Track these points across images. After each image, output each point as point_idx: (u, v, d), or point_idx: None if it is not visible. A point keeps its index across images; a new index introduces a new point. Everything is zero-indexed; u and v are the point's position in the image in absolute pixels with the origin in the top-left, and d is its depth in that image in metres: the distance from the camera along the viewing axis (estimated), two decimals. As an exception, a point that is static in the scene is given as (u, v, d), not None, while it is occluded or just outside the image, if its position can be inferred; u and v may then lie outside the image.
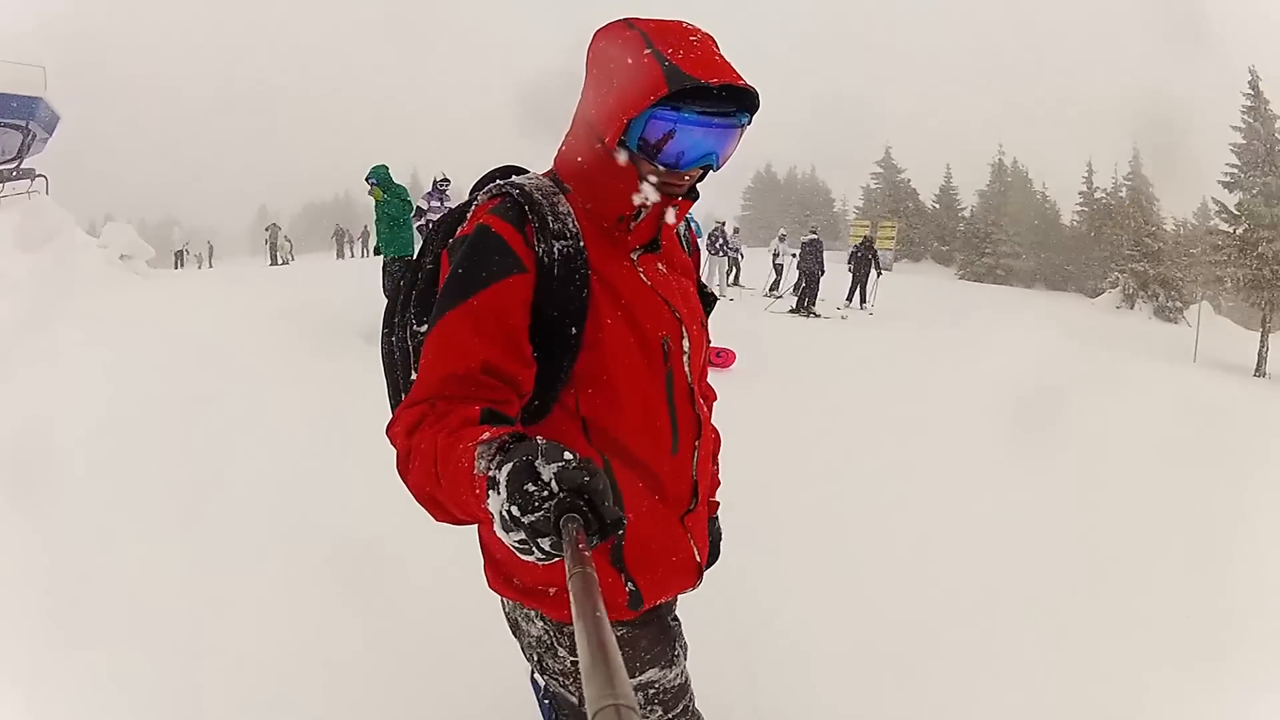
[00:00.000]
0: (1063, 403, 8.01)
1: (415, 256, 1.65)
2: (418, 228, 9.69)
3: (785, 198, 51.97)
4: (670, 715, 1.70)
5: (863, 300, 17.63)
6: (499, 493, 1.00)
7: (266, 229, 33.13)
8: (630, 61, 1.38)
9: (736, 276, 20.05)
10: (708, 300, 1.81)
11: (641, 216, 1.52)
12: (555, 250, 1.44)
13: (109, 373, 7.13)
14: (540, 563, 1.00)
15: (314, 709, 2.85)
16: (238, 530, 4.08)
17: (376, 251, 9.89)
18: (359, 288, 11.17)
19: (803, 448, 6.15)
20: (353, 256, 32.58)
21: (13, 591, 3.56)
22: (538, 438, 1.06)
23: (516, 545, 1.00)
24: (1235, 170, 21.04)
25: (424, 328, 1.54)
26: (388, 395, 1.71)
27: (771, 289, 18.50)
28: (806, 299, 15.69)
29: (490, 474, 1.05)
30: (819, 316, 15.38)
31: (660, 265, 1.63)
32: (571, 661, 1.67)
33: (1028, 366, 10.05)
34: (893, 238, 33.32)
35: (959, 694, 3.03)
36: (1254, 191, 19.85)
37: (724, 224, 19.11)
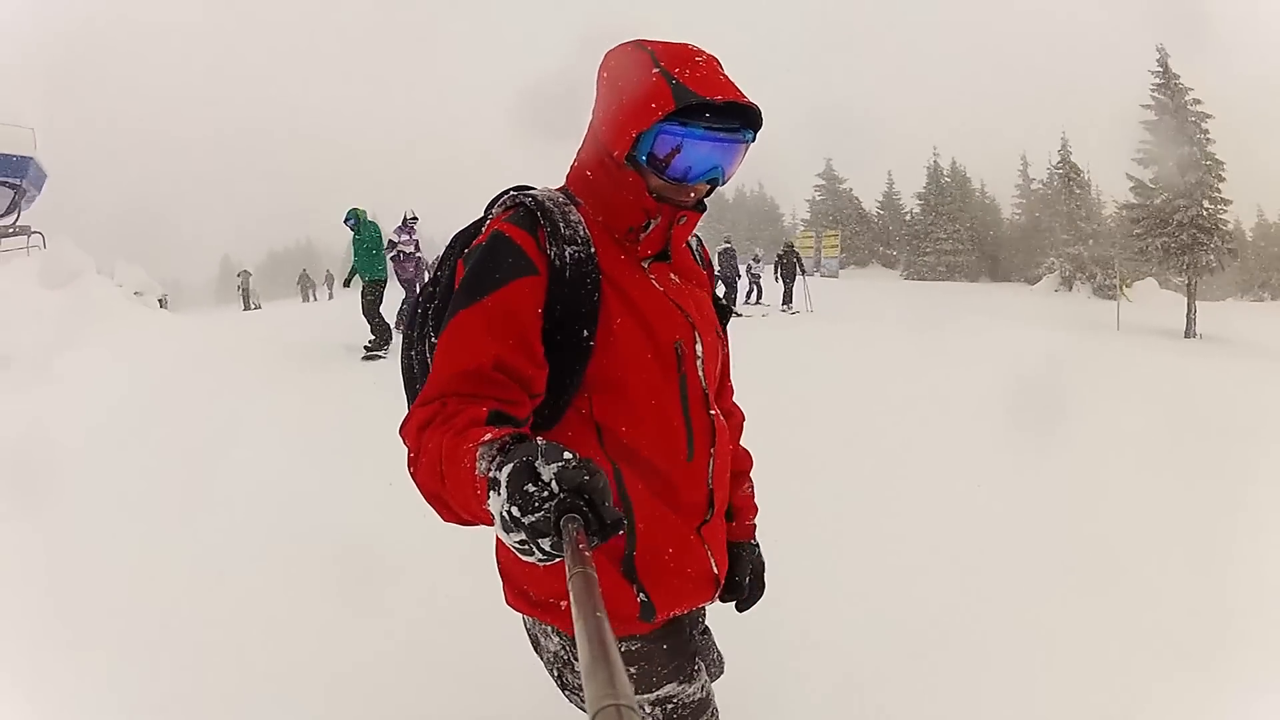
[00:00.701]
0: (1011, 385, 8.57)
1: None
2: (390, 258, 11.72)
3: (735, 217, 52.62)
4: None
5: (789, 302, 18.52)
6: (499, 493, 1.02)
7: (239, 275, 33.55)
8: (638, 79, 1.44)
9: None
10: (723, 311, 1.83)
11: (651, 228, 1.55)
12: (567, 254, 1.47)
13: (132, 384, 7.95)
14: (541, 563, 1.01)
15: (315, 710, 2.87)
16: (238, 532, 4.13)
17: (350, 277, 11.31)
18: (336, 315, 13.68)
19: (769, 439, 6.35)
20: (316, 300, 32.64)
21: (16, 592, 3.64)
22: (538, 438, 1.08)
23: (517, 545, 1.00)
24: (1149, 145, 21.85)
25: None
26: (408, 406, 1.67)
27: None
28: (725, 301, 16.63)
29: (491, 475, 1.06)
30: (739, 315, 16.15)
31: (672, 275, 1.65)
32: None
33: (967, 349, 10.75)
34: (836, 246, 34.02)
35: (957, 694, 2.99)
36: (1169, 164, 20.70)
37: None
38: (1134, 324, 18.09)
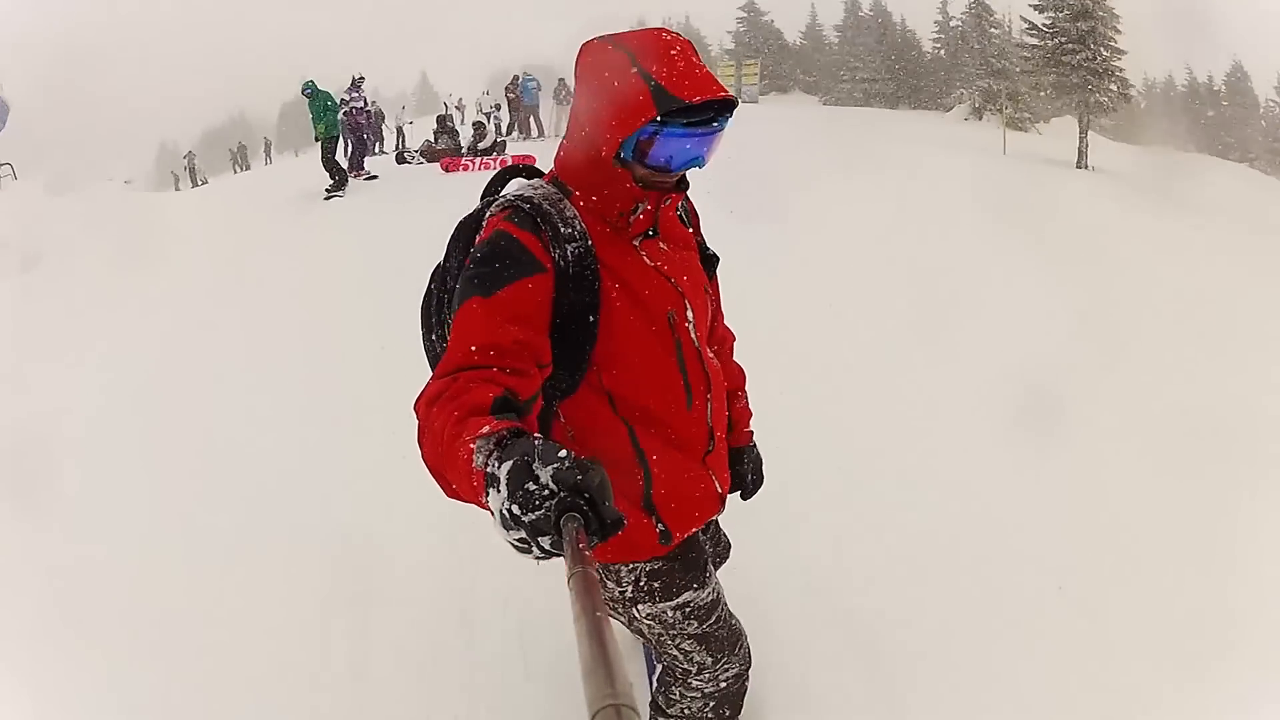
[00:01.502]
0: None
1: (437, 265, 1.86)
2: (344, 114, 14.20)
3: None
4: (705, 624, 1.94)
5: None
6: (499, 490, 1.04)
7: (185, 157, 34.03)
8: (618, 83, 1.53)
9: None
10: (710, 261, 2.00)
11: (640, 211, 1.68)
12: (568, 253, 1.59)
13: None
14: (539, 561, 1.04)
15: (314, 712, 2.91)
16: (239, 512, 4.17)
17: (316, 138, 13.39)
18: (297, 176, 15.40)
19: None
20: (250, 169, 32.56)
21: (14, 591, 3.66)
22: (535, 436, 1.12)
23: (516, 543, 1.03)
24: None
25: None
26: None
27: None
28: None
29: (489, 470, 1.08)
30: None
31: (662, 245, 1.78)
32: (619, 592, 1.91)
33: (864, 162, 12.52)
34: (755, 74, 35.18)
35: (954, 695, 2.94)
36: (1063, 12, 22.28)
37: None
38: (1028, 153, 19.95)
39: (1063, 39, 22.10)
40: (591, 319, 1.63)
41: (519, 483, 1.02)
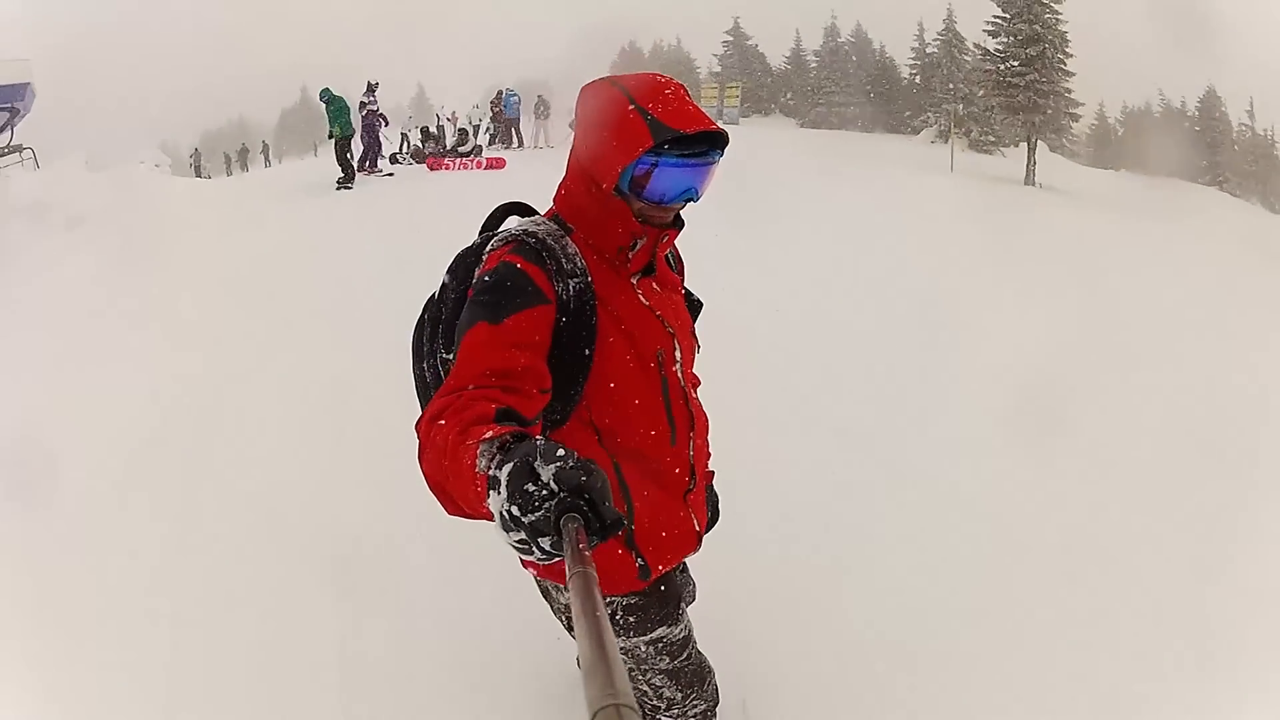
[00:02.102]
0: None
1: (435, 290, 1.86)
2: (364, 115, 16.55)
3: (653, 68, 53.80)
4: (677, 660, 2.00)
5: None
6: (499, 492, 1.04)
7: (190, 155, 35.59)
8: (617, 118, 1.60)
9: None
10: (694, 306, 2.06)
11: (637, 247, 1.72)
12: (570, 287, 1.64)
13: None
14: (541, 562, 1.03)
15: (315, 712, 2.89)
16: (238, 514, 4.10)
17: (331, 136, 15.31)
18: (305, 174, 18.27)
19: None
20: (248, 170, 33.79)
21: (14, 591, 3.57)
22: (537, 438, 1.10)
23: (516, 544, 1.03)
24: (1000, 20, 24.76)
25: (451, 355, 1.70)
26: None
27: None
28: None
29: (491, 473, 1.09)
30: None
31: (655, 285, 1.84)
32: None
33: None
34: (737, 96, 36.82)
35: (954, 695, 2.95)
36: (1015, 37, 24.00)
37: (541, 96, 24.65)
38: (979, 171, 21.87)
39: (1014, 62, 23.85)
40: (587, 353, 1.67)
41: (519, 484, 1.02)
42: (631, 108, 1.59)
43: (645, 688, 2.06)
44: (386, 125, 17.31)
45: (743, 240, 8.61)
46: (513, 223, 1.81)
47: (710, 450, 2.12)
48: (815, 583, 3.46)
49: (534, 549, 1.01)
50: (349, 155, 15.14)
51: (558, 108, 24.60)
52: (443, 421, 1.33)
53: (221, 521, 4.05)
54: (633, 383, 1.75)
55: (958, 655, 3.08)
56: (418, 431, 1.40)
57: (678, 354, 1.84)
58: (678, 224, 1.78)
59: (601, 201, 1.67)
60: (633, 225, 1.68)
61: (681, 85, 1.66)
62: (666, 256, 1.95)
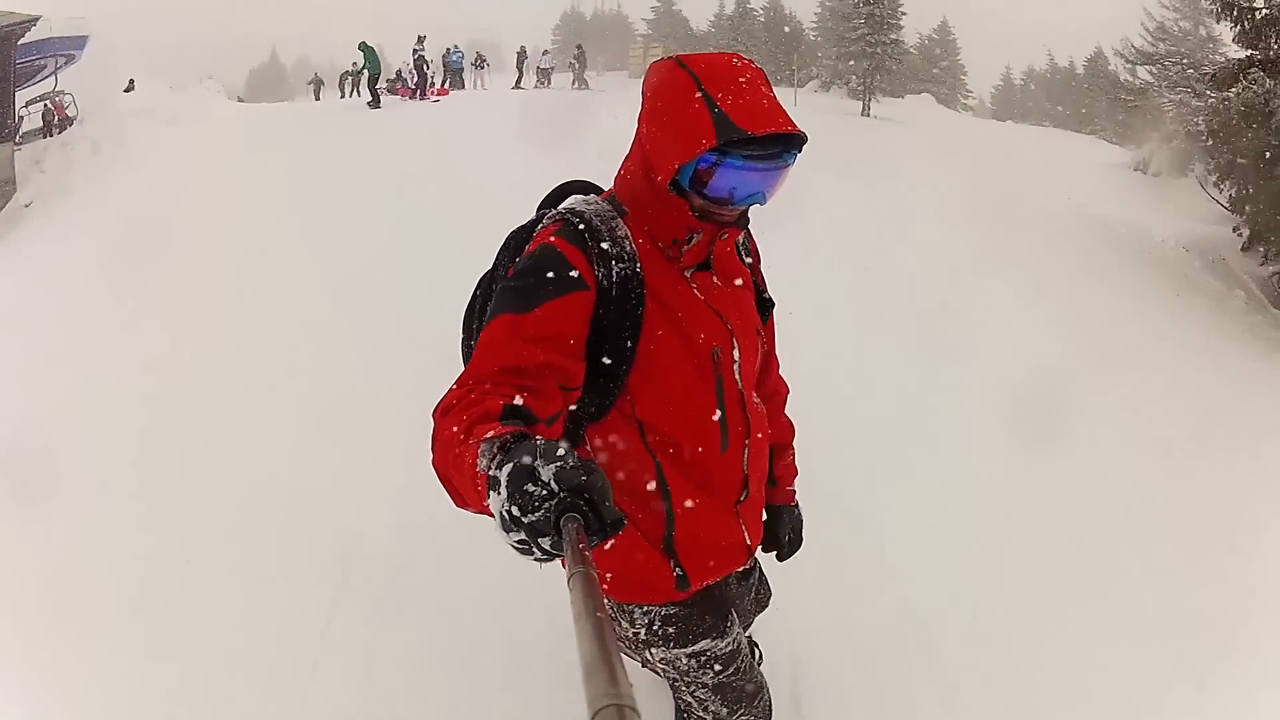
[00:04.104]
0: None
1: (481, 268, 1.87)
2: (415, 63, 22.57)
3: (588, 32, 58.63)
4: (722, 675, 1.90)
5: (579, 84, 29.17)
6: (499, 492, 1.04)
7: (310, 82, 39.27)
8: (681, 108, 1.49)
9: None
10: (766, 306, 1.95)
11: (694, 241, 1.63)
12: (614, 273, 1.56)
13: (248, 124, 16.37)
14: (540, 563, 1.03)
15: (315, 712, 2.90)
16: (241, 510, 4.03)
17: (367, 78, 20.75)
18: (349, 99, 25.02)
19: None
20: (321, 99, 35.98)
21: (14, 591, 3.61)
22: (538, 438, 1.10)
23: (516, 545, 1.03)
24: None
25: None
26: None
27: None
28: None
29: (491, 473, 1.08)
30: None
31: (715, 279, 1.73)
32: (632, 634, 1.88)
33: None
34: (659, 56, 42.20)
35: (954, 695, 2.98)
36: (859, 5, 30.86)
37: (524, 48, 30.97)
38: (827, 108, 26.75)
39: (855, 20, 30.72)
40: (630, 344, 1.59)
41: (519, 484, 1.02)
42: (698, 95, 1.48)
43: (689, 699, 2.00)
44: (429, 66, 23.10)
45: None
46: (570, 202, 1.75)
47: (797, 467, 2.17)
48: (813, 581, 3.24)
49: (534, 549, 1.01)
50: (374, 88, 20.21)
51: (495, 62, 31.21)
52: (452, 414, 1.33)
53: (223, 520, 3.96)
54: (683, 379, 1.68)
55: (955, 656, 3.13)
56: (434, 419, 1.39)
57: (736, 354, 1.75)
58: (741, 222, 1.67)
59: (657, 193, 1.58)
60: (690, 220, 1.59)
61: (760, 70, 1.55)
62: (738, 246, 1.82)
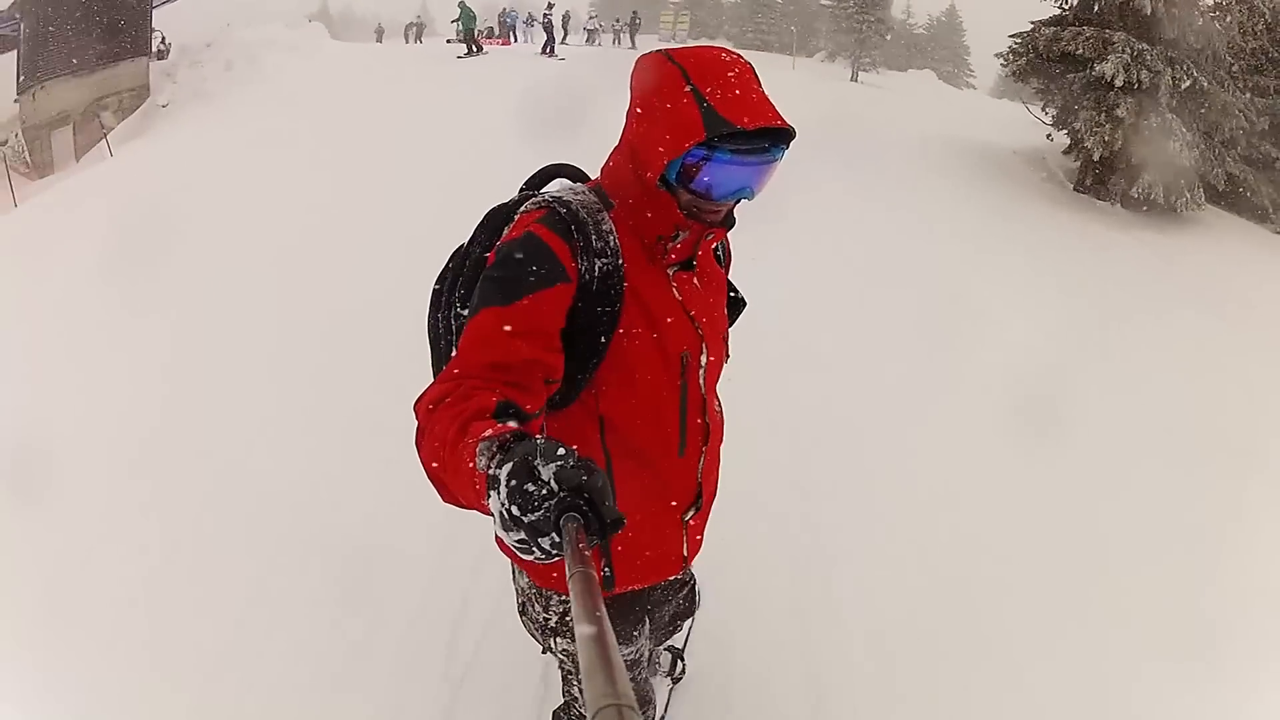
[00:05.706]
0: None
1: (466, 243, 1.78)
2: (544, 17, 26.21)
3: None
4: None
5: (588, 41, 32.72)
6: (499, 492, 1.05)
7: (410, 26, 39.66)
8: (669, 102, 1.47)
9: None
10: (735, 306, 1.97)
11: (679, 239, 1.62)
12: (596, 267, 1.54)
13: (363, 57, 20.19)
14: (541, 562, 1.04)
15: (315, 712, 2.92)
16: (248, 521, 4.04)
17: (463, 27, 23.65)
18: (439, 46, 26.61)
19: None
20: (421, 42, 37.37)
21: (15, 591, 3.64)
22: (537, 437, 1.10)
23: (516, 545, 1.04)
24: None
25: (467, 311, 1.65)
26: (431, 366, 1.84)
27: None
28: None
29: (491, 472, 1.09)
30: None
31: (695, 281, 1.73)
32: (544, 618, 1.91)
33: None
34: (687, 22, 44.77)
35: (952, 695, 3.01)
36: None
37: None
38: (824, 73, 31.08)
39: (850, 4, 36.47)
40: (603, 339, 1.58)
41: (519, 484, 1.03)
42: (687, 89, 1.46)
43: (576, 693, 2.06)
44: (551, 26, 25.85)
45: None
46: (555, 187, 1.74)
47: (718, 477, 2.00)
48: (809, 581, 3.40)
49: (534, 549, 1.01)
50: (471, 40, 22.68)
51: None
52: (443, 409, 1.32)
53: (222, 518, 4.01)
54: (649, 379, 1.67)
55: (953, 655, 3.14)
56: (416, 413, 1.38)
57: (704, 360, 1.75)
58: (728, 222, 1.66)
59: (645, 188, 1.56)
60: (676, 217, 1.58)
61: (749, 65, 1.54)
62: (715, 249, 1.84)
